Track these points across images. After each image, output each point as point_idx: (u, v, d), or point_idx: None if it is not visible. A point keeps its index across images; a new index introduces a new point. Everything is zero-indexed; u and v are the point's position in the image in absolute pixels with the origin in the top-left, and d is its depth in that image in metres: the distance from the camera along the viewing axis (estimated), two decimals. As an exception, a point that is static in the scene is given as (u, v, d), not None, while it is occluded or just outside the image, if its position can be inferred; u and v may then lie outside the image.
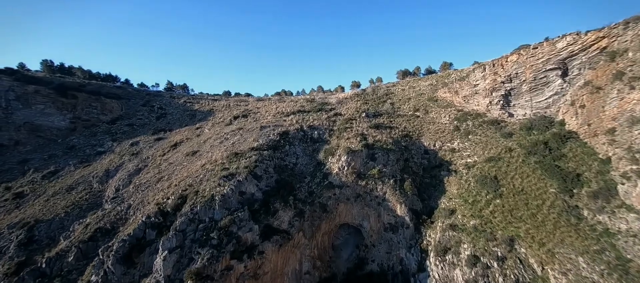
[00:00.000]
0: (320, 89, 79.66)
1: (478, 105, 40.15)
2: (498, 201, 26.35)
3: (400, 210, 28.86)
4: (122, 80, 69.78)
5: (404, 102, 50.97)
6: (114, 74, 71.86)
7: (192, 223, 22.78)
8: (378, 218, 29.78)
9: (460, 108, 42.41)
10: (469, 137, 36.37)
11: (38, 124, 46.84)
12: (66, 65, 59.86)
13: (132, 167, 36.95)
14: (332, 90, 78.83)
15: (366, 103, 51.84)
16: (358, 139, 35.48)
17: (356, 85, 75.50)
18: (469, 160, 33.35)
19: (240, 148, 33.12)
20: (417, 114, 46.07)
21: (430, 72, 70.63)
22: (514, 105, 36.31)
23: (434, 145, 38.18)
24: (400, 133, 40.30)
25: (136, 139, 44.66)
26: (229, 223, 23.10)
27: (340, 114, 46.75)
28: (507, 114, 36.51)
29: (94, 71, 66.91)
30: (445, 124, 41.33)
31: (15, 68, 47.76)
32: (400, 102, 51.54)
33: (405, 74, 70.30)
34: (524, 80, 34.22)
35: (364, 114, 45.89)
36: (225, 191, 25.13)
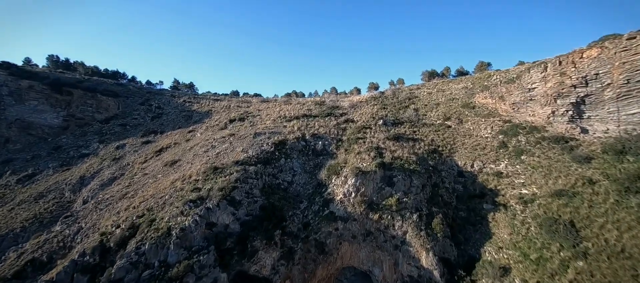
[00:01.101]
0: (334, 90, 72.42)
1: (533, 115, 30.69)
2: (581, 264, 17.42)
3: (427, 259, 20.77)
4: (129, 77, 67.60)
5: (430, 108, 42.25)
6: (122, 71, 70.24)
7: (134, 270, 16.60)
8: (394, 267, 21.91)
9: (507, 118, 33.09)
10: (523, 158, 27.23)
11: (30, 121, 44.38)
12: (71, 61, 58.10)
13: (108, 175, 32.20)
14: (346, 92, 71.36)
15: (384, 108, 43.79)
16: (372, 154, 27.79)
17: (374, 87, 67.38)
18: (524, 190, 24.36)
19: (223, 161, 26.88)
20: (448, 123, 37.25)
21: (462, 73, 60.74)
22: (589, 117, 26.59)
23: (472, 166, 29.41)
24: (426, 148, 31.94)
25: (124, 141, 40.38)
26: (184, 271, 16.69)
27: (353, 121, 39.22)
28: (578, 130, 26.88)
29: (103, 68, 65.45)
30: (487, 138, 32.28)
31: (11, 62, 46.18)
32: (426, 108, 42.86)
33: (431, 75, 60.95)
34: (609, 84, 24.57)
35: (381, 122, 37.99)
36: (187, 223, 18.78)
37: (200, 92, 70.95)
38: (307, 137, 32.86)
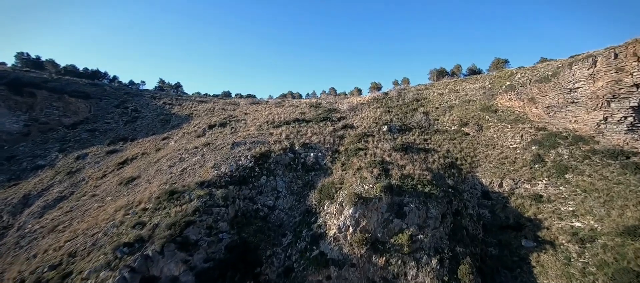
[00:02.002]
0: (333, 91, 66.77)
1: (576, 122, 24.79)
2: None
3: (453, 324, 14.96)
4: (110, 77, 62.26)
5: (443, 111, 36.36)
6: (104, 70, 64.96)
7: None
8: (407, 332, 16.09)
9: (540, 125, 27.19)
10: (568, 177, 21.33)
11: (-16, 126, 38.99)
12: (42, 59, 52.77)
13: (56, 194, 26.64)
14: (346, 93, 65.62)
15: (389, 111, 37.95)
16: (375, 170, 21.97)
17: (376, 87, 61.69)
18: (577, 223, 18.46)
19: (186, 181, 21.19)
20: (466, 130, 31.37)
21: (474, 72, 54.90)
22: (657, 125, 20.70)
23: (500, 186, 23.54)
24: (442, 161, 26.09)
25: (87, 151, 34.85)
26: None
27: (352, 127, 33.43)
28: (643, 141, 20.98)
29: (90, 69, 60.17)
30: (515, 149, 26.40)
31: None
32: (438, 111, 36.99)
33: (440, 73, 55.08)
34: (689, 82, 18.67)
35: (385, 128, 32.19)
36: (112, 282, 13.09)
37: (190, 93, 65.60)
38: (296, 148, 27.11)
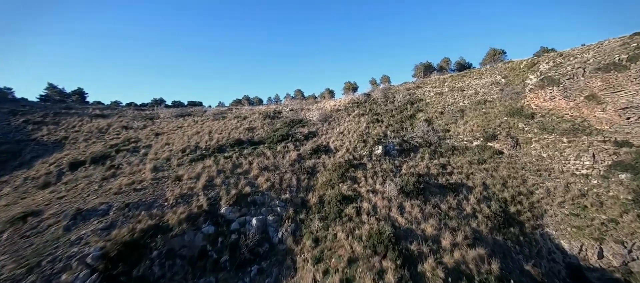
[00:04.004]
0: (300, 94, 54.07)
1: (689, 132, 15.48)
2: None
3: None
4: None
5: (452, 117, 25.92)
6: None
7: None
8: None
9: (616, 136, 17.66)
10: None
11: None
12: None
13: None
14: (316, 96, 53.44)
15: (378, 120, 26.42)
16: (386, 264, 9.76)
17: (352, 87, 50.37)
18: None
19: None
20: (495, 145, 21.02)
21: (463, 66, 46.66)
22: None
23: (601, 255, 13.04)
24: (487, 209, 14.93)
25: None
26: None
27: (328, 149, 20.99)
28: None
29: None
30: (589, 177, 16.42)
31: None
32: (445, 117, 26.50)
33: (427, 69, 45.81)
34: None
35: (379, 149, 20.43)
36: None
37: (91, 103, 47.07)
38: (223, 208, 13.67)
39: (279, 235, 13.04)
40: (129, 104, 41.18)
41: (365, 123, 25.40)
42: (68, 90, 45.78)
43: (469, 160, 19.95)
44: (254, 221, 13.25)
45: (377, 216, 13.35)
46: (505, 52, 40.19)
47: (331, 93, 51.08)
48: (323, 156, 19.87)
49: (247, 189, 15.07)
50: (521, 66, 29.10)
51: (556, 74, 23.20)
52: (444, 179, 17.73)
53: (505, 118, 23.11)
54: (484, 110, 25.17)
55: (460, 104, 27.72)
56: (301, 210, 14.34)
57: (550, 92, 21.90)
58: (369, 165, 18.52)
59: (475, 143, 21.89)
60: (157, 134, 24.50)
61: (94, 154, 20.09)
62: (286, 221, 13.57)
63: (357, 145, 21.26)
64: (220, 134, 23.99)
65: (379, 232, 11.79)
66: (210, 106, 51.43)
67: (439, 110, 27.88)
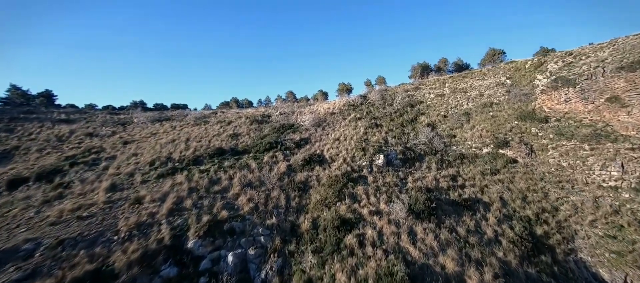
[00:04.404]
0: (291, 96, 51.42)
1: None
2: None
3: None
4: None
5: (456, 121, 23.79)
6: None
7: None
8: None
9: (648, 144, 15.77)
10: None
11: None
12: None
13: None
14: (309, 98, 50.88)
15: (376, 124, 24.03)
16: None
17: (346, 89, 48.03)
18: None
19: None
20: (507, 152, 18.92)
21: (461, 67, 45.11)
22: None
23: (649, 288, 10.86)
24: (510, 232, 12.63)
25: None
26: None
27: (321, 159, 18.37)
28: None
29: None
30: (618, 190, 14.41)
31: None
32: (449, 121, 24.35)
33: (424, 69, 43.97)
34: None
35: (381, 158, 17.99)
36: None
37: (82, 106, 42.85)
38: (190, 242, 10.84)
39: (263, 275, 10.30)
40: (106, 108, 37.31)
41: (363, 128, 22.95)
42: (34, 92, 41.55)
43: (481, 170, 17.75)
44: (230, 257, 10.47)
45: (384, 247, 10.83)
46: (504, 52, 38.75)
47: (325, 95, 48.64)
48: (317, 168, 17.25)
49: (224, 213, 12.26)
50: (526, 66, 27.40)
51: (570, 74, 21.42)
52: (456, 194, 15.42)
53: (515, 122, 21.11)
54: (491, 113, 23.16)
55: (465, 106, 25.69)
56: (290, 239, 11.65)
57: (566, 94, 20.07)
58: (370, 179, 16.03)
59: (485, 150, 19.76)
60: (125, 143, 21.27)
61: (43, 169, 16.79)
62: (271, 255, 10.85)
63: (356, 154, 18.75)
64: (199, 141, 21.03)
65: (389, 272, 9.26)
66: (195, 109, 48.16)
67: (442, 113, 25.76)
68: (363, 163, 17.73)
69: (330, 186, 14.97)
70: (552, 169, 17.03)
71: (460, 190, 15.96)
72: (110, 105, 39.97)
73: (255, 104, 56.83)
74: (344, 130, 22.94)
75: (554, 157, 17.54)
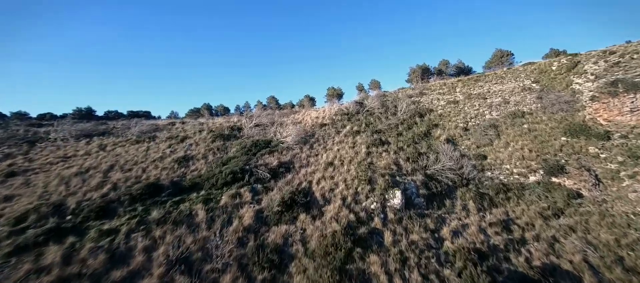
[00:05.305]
0: (273, 101, 45.06)
1: None
2: None
3: None
4: None
5: (483, 137, 18.52)
6: None
7: None
8: None
9: None
10: None
11: None
12: None
13: None
14: (294, 104, 44.67)
15: (381, 139, 18.25)
16: None
17: (336, 94, 42.22)
18: None
19: None
20: (565, 182, 13.67)
21: (462, 70, 40.96)
22: None
23: None
24: None
25: None
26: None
27: (311, 201, 12.18)
28: None
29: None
30: None
31: None
32: (472, 136, 19.06)
33: (424, 72, 39.23)
34: None
35: (397, 197, 12.06)
36: None
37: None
38: None
39: None
40: (21, 115, 28.28)
41: (364, 146, 17.11)
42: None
43: (538, 210, 12.36)
44: None
45: None
46: (512, 54, 34.81)
47: (312, 101, 42.59)
48: (302, 216, 11.08)
49: None
50: (554, 68, 22.96)
51: (627, 75, 16.87)
52: (521, 259, 9.80)
53: (563, 138, 16.14)
54: (526, 125, 18.14)
55: (488, 116, 20.61)
56: None
57: (632, 102, 15.41)
58: (387, 235, 10.11)
59: (532, 178, 14.50)
60: (7, 175, 14.02)
61: None
62: None
63: (359, 189, 12.81)
64: (128, 171, 14.25)
65: None
66: (159, 117, 40.54)
67: (460, 125, 20.50)
68: (371, 206, 11.80)
69: (325, 257, 8.87)
70: (638, 208, 11.92)
71: (521, 247, 10.38)
72: (25, 113, 30.00)
73: (232, 111, 49.82)
74: (339, 150, 16.97)
75: (635, 190, 12.48)
